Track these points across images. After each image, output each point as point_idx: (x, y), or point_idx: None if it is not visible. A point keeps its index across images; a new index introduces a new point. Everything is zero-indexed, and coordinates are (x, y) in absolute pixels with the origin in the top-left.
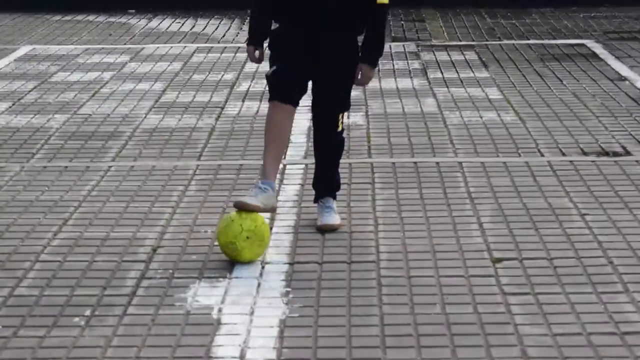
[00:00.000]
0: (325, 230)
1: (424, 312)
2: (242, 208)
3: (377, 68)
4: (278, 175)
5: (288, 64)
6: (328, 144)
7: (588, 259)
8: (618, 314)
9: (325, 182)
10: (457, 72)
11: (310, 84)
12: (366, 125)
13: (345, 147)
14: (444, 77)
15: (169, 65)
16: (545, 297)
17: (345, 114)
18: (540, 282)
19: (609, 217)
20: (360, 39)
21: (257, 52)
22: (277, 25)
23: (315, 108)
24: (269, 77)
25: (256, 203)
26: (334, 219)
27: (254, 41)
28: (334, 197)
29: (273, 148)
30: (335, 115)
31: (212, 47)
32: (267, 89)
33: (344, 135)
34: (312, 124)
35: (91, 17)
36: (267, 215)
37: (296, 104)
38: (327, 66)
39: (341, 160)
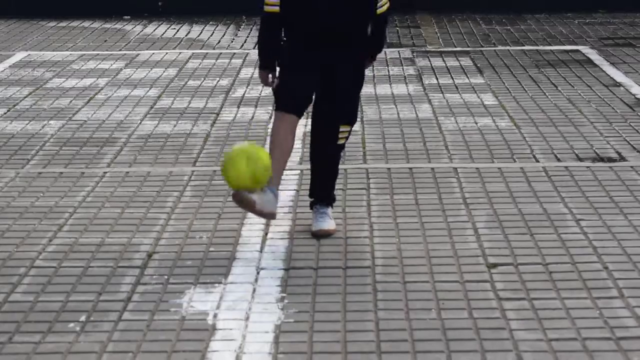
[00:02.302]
0: (320, 235)
1: (420, 317)
2: (237, 201)
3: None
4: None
5: (295, 77)
6: (325, 158)
7: (583, 264)
8: (613, 319)
9: (320, 195)
10: (452, 78)
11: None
12: (361, 131)
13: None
14: (439, 83)
15: (164, 72)
16: (541, 303)
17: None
18: (536, 287)
19: (604, 222)
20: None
21: (270, 76)
22: (287, 40)
23: (315, 122)
24: (274, 89)
25: (252, 198)
26: (329, 224)
27: (266, 65)
28: (330, 204)
29: (276, 156)
30: (337, 128)
31: (207, 53)
32: (262, 94)
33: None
34: (310, 138)
35: (86, 23)
36: (263, 220)
37: (300, 115)
38: (336, 76)
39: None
